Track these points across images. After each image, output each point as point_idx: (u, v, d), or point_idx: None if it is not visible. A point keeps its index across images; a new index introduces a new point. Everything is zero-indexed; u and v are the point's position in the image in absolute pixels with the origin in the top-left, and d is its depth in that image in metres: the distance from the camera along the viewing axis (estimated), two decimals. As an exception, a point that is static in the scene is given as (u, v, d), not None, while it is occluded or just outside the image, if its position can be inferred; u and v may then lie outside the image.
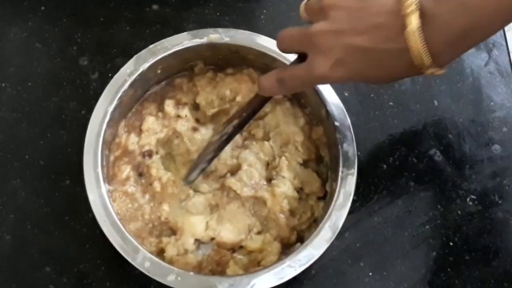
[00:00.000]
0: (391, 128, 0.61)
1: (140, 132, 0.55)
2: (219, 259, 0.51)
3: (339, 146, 0.52)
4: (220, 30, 0.55)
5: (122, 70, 0.53)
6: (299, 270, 0.47)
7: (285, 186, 0.53)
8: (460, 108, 0.62)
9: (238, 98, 0.56)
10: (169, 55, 0.54)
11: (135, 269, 0.47)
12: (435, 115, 0.62)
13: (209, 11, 0.65)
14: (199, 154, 0.54)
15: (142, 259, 0.47)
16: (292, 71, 0.48)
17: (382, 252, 0.56)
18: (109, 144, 0.53)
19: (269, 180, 0.54)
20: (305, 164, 0.55)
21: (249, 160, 0.54)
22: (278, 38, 0.49)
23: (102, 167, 0.50)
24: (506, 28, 0.65)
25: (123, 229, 0.48)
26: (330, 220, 0.49)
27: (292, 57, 0.54)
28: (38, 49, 0.61)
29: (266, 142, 0.55)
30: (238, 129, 0.53)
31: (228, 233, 0.53)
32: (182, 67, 0.57)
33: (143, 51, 0.54)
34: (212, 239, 0.53)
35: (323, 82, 0.50)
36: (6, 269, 0.53)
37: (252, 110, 0.53)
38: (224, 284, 0.46)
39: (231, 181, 0.53)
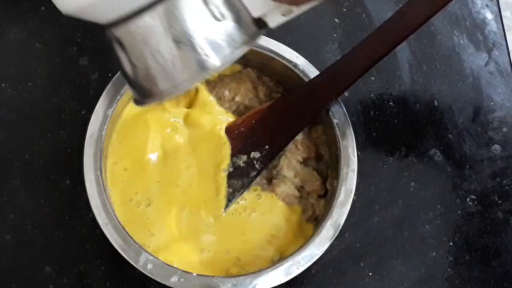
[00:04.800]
0: (391, 128, 0.61)
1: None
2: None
3: (339, 144, 0.52)
4: None
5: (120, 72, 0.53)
6: (301, 268, 0.47)
7: (285, 185, 0.53)
8: (460, 108, 0.62)
9: (237, 98, 0.56)
10: None
11: (135, 269, 0.46)
12: (435, 115, 0.62)
13: (210, 12, 0.64)
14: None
15: (144, 261, 0.47)
16: None
17: (382, 252, 0.56)
18: (109, 146, 0.53)
19: (269, 179, 0.55)
20: (304, 162, 0.55)
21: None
22: None
23: (102, 171, 0.50)
24: (506, 28, 0.65)
25: (125, 232, 0.48)
26: (332, 218, 0.49)
27: (289, 54, 0.54)
28: (38, 49, 0.61)
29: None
30: (267, 164, 0.53)
31: (229, 233, 0.53)
32: (179, 68, 0.57)
33: None
34: (214, 239, 0.53)
35: None
36: (6, 269, 0.52)
37: (282, 145, 0.53)
38: (227, 285, 0.46)
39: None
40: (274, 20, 0.40)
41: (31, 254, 0.53)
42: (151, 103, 0.39)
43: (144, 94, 0.39)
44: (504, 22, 0.67)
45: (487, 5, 0.67)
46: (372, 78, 0.62)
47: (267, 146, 0.53)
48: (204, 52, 0.36)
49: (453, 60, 0.64)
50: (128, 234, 0.47)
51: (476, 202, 0.58)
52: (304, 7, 0.39)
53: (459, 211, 0.58)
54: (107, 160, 0.53)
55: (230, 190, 0.53)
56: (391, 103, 0.62)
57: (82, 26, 0.62)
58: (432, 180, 0.59)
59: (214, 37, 0.36)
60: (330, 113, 0.53)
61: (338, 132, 0.52)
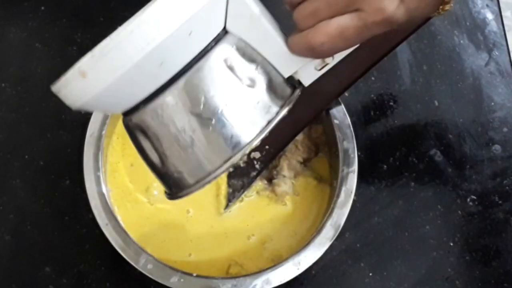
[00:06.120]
0: (391, 128, 0.61)
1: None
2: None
3: (339, 144, 0.52)
4: None
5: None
6: (301, 269, 0.47)
7: (286, 185, 0.53)
8: (461, 108, 0.62)
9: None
10: None
11: (135, 269, 0.46)
12: (436, 115, 0.62)
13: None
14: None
15: (144, 261, 0.47)
16: (336, 27, 0.33)
17: (382, 252, 0.56)
18: (108, 146, 0.53)
19: (269, 179, 0.55)
20: (305, 162, 0.55)
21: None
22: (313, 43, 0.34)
23: (102, 171, 0.50)
24: (506, 28, 0.65)
25: (124, 232, 0.48)
26: (332, 219, 0.49)
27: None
28: (38, 49, 0.61)
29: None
30: (267, 164, 0.54)
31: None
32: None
33: None
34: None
35: (383, 28, 0.34)
36: (6, 269, 0.52)
37: (282, 146, 0.53)
38: (227, 285, 0.46)
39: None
40: (308, 77, 0.37)
41: (31, 254, 0.53)
42: (186, 195, 0.35)
43: (177, 186, 0.34)
44: (505, 22, 0.66)
45: (487, 5, 0.67)
46: (373, 78, 0.62)
47: (267, 146, 0.53)
48: (238, 127, 0.32)
49: (453, 60, 0.64)
50: (128, 235, 0.47)
51: (476, 203, 0.58)
52: (339, 57, 0.36)
53: (459, 211, 0.58)
54: (107, 160, 0.53)
55: (230, 190, 0.53)
56: (391, 103, 0.62)
57: (82, 26, 0.62)
58: (432, 180, 0.59)
59: (247, 107, 0.32)
60: (331, 113, 0.53)
61: (338, 133, 0.52)
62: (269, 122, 0.33)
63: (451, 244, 0.57)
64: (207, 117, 0.31)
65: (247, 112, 0.32)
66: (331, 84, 0.52)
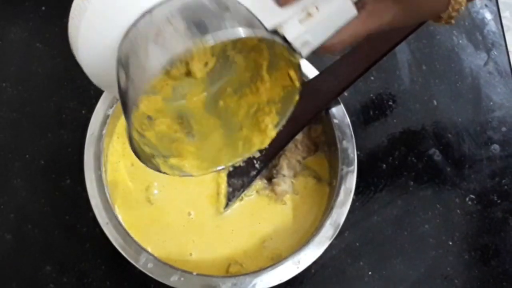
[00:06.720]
0: (391, 127, 0.61)
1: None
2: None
3: (338, 144, 0.52)
4: None
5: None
6: (301, 268, 0.47)
7: (285, 184, 0.53)
8: (459, 108, 0.62)
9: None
10: None
11: (136, 268, 0.47)
12: (434, 114, 0.62)
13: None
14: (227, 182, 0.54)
15: (145, 260, 0.47)
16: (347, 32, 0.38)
17: (382, 251, 0.56)
18: (109, 145, 0.53)
19: (269, 178, 0.55)
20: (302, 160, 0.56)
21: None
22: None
23: (103, 170, 0.50)
24: (505, 29, 0.65)
25: (125, 231, 0.48)
26: (331, 218, 0.49)
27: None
28: (38, 49, 0.61)
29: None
30: (267, 163, 0.54)
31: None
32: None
33: None
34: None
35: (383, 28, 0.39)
36: (6, 268, 0.53)
37: (281, 145, 0.53)
38: (227, 284, 0.46)
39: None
40: (293, 31, 0.36)
41: (32, 254, 0.53)
42: (141, 95, 0.34)
43: (136, 91, 0.35)
44: (503, 22, 0.67)
45: (486, 5, 0.67)
46: (372, 78, 0.62)
47: (267, 146, 0.53)
48: (194, 26, 0.33)
49: (452, 60, 0.64)
50: (128, 234, 0.48)
51: (475, 202, 0.58)
52: (324, 11, 0.36)
53: (458, 211, 0.58)
54: (108, 160, 0.53)
55: (230, 189, 0.53)
56: (390, 103, 0.62)
57: (83, 26, 0.62)
58: (432, 180, 0.59)
59: (213, 16, 0.34)
60: (330, 113, 0.53)
61: (337, 132, 0.53)
62: (226, 32, 0.33)
63: (450, 243, 0.57)
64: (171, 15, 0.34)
65: (214, 19, 0.34)
66: (330, 83, 0.52)
